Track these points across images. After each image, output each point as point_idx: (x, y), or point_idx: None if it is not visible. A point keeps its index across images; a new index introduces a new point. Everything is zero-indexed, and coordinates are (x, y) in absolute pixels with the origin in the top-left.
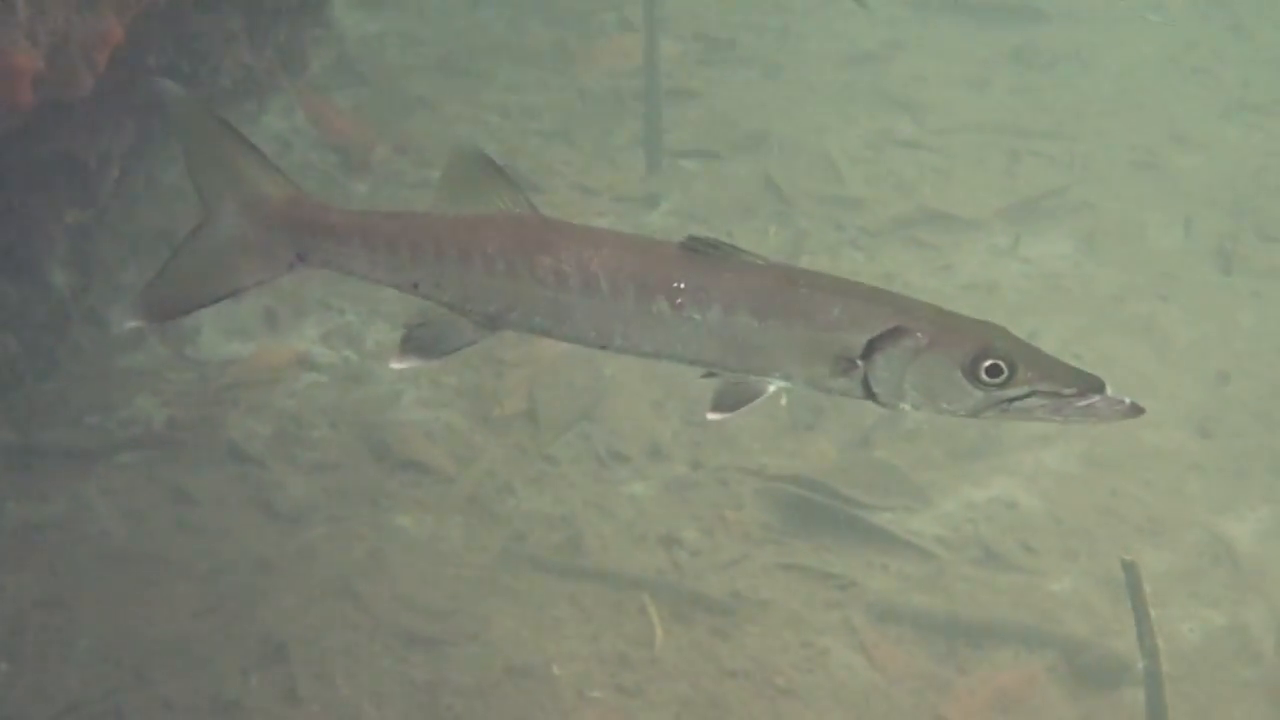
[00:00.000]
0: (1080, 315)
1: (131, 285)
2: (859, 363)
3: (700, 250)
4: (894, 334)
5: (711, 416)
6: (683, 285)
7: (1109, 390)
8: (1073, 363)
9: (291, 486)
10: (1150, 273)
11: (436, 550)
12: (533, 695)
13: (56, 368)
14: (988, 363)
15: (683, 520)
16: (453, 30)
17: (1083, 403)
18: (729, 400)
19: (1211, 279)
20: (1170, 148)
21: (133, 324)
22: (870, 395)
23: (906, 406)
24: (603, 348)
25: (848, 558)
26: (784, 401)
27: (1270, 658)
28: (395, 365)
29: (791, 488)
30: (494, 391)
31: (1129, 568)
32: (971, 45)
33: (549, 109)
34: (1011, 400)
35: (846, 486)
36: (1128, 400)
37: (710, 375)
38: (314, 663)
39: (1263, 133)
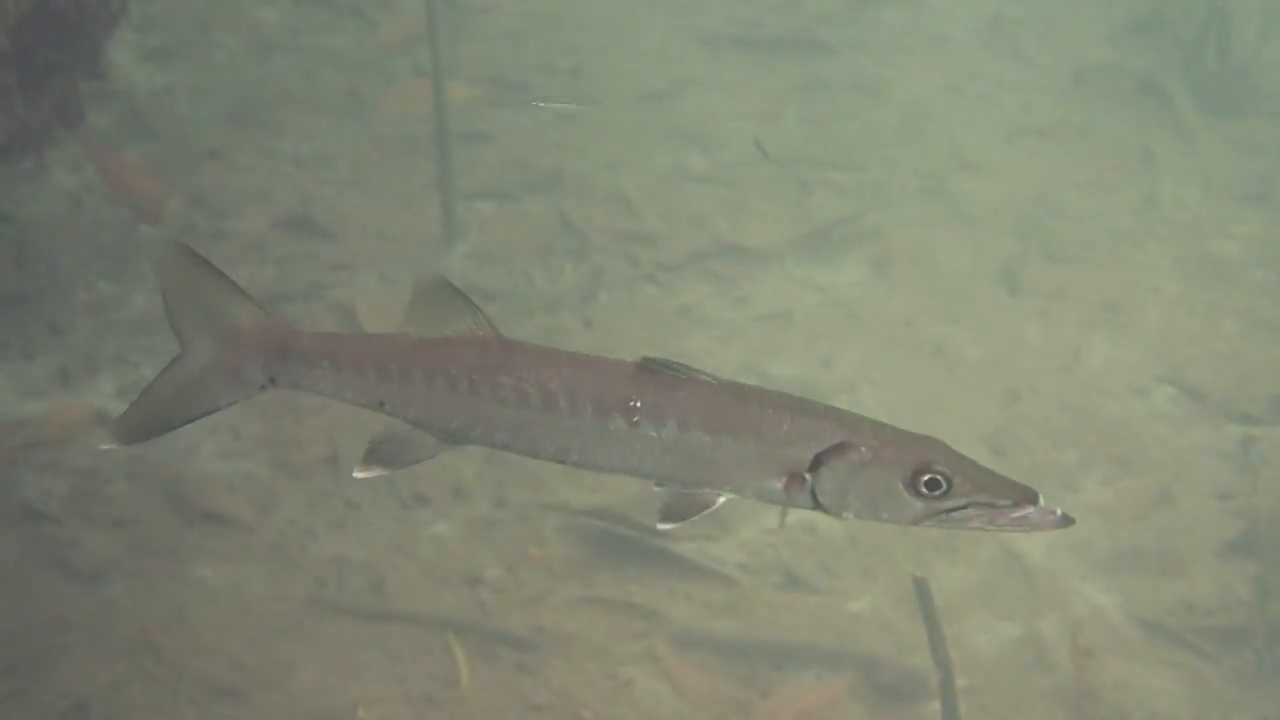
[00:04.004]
0: (872, 340)
1: None
2: (806, 476)
3: (655, 370)
4: (839, 449)
5: (662, 527)
6: (638, 403)
7: (1041, 501)
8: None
9: (89, 543)
10: (940, 296)
11: (238, 600)
12: None
13: None
14: (927, 476)
15: (486, 558)
16: (243, 81)
17: (1017, 514)
18: (678, 511)
19: (999, 300)
20: (957, 173)
21: (107, 447)
22: (817, 506)
23: (850, 515)
24: (560, 462)
25: (650, 588)
26: None
27: (1064, 666)
28: (359, 474)
29: (594, 521)
30: (294, 438)
31: (919, 584)
32: (760, 80)
33: (343, 156)
34: (949, 511)
35: (649, 518)
36: (1059, 511)
37: (661, 485)
38: (116, 718)
39: (1045, 156)
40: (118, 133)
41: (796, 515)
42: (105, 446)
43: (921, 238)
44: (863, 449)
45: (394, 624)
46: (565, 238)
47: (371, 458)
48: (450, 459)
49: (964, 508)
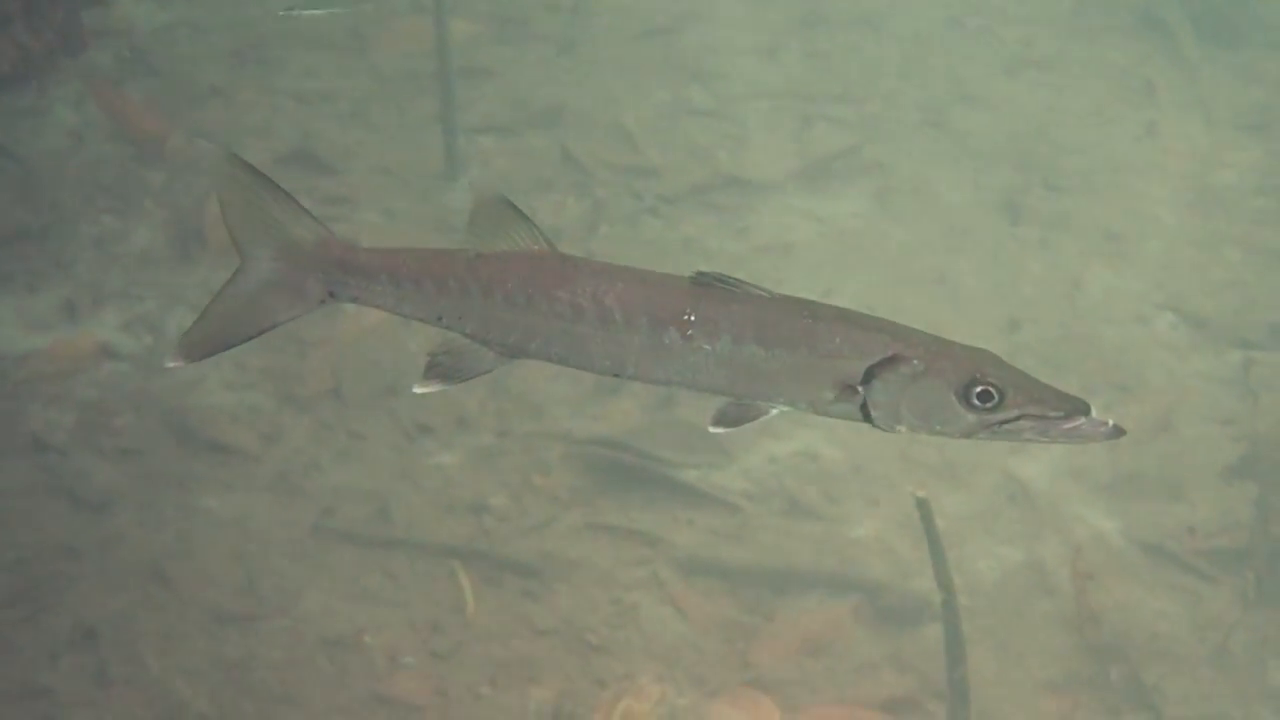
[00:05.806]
0: (874, 270)
1: None
2: (859, 389)
3: (709, 284)
4: (892, 361)
5: (713, 430)
6: (693, 317)
7: (1094, 413)
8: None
9: (96, 474)
10: (941, 226)
11: (244, 529)
12: (346, 665)
13: None
14: (979, 388)
15: (491, 487)
16: (244, 18)
17: (1068, 425)
18: (731, 418)
19: (1000, 230)
20: (957, 106)
21: (174, 364)
22: (868, 418)
23: (902, 428)
24: (616, 375)
25: (655, 515)
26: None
27: (1065, 590)
28: (419, 390)
29: (598, 450)
30: (298, 371)
31: (921, 504)
32: (761, 13)
33: (344, 92)
34: (1001, 423)
35: (652, 446)
36: (1111, 422)
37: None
38: (124, 645)
39: (1046, 89)
40: (120, 70)
41: (798, 443)
42: (171, 364)
43: (922, 169)
44: (915, 361)
45: (400, 552)
46: (567, 171)
47: (431, 372)
48: (454, 391)
49: (1016, 419)
